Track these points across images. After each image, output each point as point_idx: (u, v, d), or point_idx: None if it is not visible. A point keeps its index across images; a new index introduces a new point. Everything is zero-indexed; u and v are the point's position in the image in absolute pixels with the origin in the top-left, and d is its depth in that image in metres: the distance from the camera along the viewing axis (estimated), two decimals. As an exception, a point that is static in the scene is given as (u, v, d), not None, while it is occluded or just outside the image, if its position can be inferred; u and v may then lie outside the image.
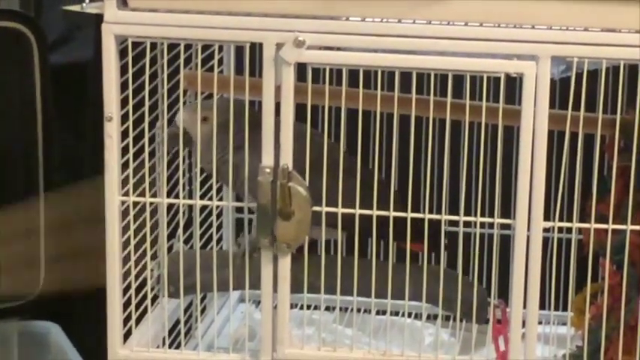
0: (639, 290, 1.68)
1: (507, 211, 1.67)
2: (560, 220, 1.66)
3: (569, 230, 1.74)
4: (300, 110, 1.65)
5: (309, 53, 1.61)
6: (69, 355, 2.40)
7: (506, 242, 1.67)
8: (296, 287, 1.72)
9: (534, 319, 1.67)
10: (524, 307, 1.66)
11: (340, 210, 1.68)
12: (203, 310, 2.02)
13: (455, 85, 1.63)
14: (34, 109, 2.32)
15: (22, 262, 2.37)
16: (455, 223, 1.69)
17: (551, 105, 1.62)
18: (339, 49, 1.63)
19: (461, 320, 1.89)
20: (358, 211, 1.68)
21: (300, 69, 1.63)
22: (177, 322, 1.83)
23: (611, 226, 1.65)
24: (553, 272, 1.68)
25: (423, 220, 1.69)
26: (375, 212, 1.68)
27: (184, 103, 1.84)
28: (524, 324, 1.68)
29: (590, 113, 1.67)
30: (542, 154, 1.61)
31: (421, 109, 1.63)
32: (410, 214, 1.68)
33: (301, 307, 2.03)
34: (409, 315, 2.05)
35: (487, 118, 1.66)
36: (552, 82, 1.64)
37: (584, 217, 1.68)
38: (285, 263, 1.69)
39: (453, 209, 1.68)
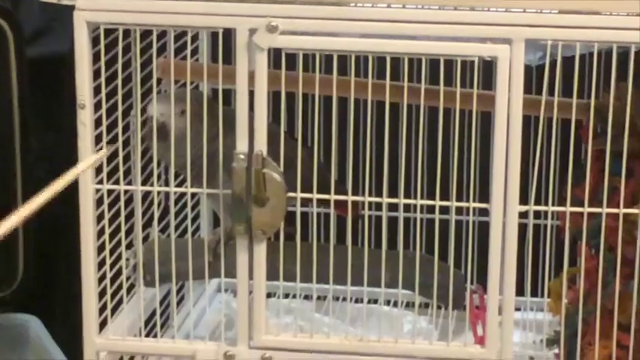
0: (616, 274, 1.67)
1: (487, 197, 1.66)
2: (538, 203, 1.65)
3: (547, 216, 1.73)
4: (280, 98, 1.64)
5: (283, 39, 1.60)
6: (48, 347, 2.39)
7: (486, 228, 1.67)
8: (272, 275, 1.71)
9: (511, 304, 1.66)
10: (501, 293, 1.66)
11: (315, 196, 1.67)
12: (181, 300, 2.01)
13: (445, 72, 1.62)
14: (11, 102, 2.31)
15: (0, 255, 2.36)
16: (432, 209, 1.68)
17: (529, 91, 1.62)
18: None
19: (439, 307, 1.88)
20: (333, 197, 1.68)
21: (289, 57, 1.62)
22: (155, 311, 1.82)
23: (586, 210, 1.65)
24: (529, 258, 1.68)
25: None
26: (351, 197, 1.67)
27: (159, 91, 1.82)
28: (502, 310, 1.67)
29: (565, 98, 1.67)
30: (517, 138, 1.60)
31: (396, 95, 1.63)
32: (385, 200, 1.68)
33: (279, 296, 2.03)
34: (388, 303, 2.05)
35: (463, 103, 1.64)
36: (529, 68, 1.64)
37: (562, 203, 1.68)
38: (261, 250, 1.68)
39: (430, 195, 1.68)
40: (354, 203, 1.69)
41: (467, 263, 1.70)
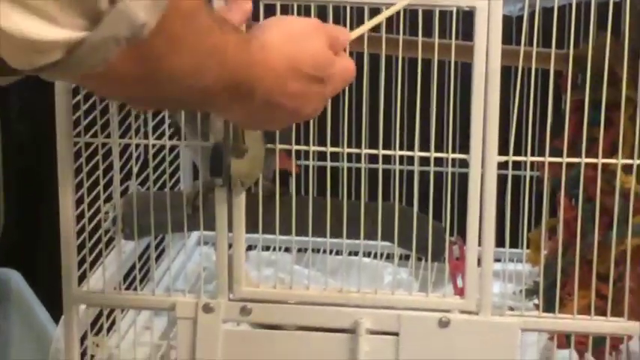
0: (595, 224, 1.67)
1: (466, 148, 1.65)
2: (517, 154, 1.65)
3: (526, 167, 1.72)
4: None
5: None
6: (29, 301, 2.40)
7: (465, 180, 1.66)
8: (252, 228, 1.71)
9: (490, 256, 1.66)
10: (480, 244, 1.66)
11: (294, 147, 1.66)
12: (161, 253, 2.01)
13: (424, 23, 1.61)
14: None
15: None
16: (411, 161, 1.68)
17: (509, 42, 1.61)
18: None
19: (418, 259, 1.87)
20: (312, 148, 1.67)
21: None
22: (134, 265, 1.82)
23: (565, 160, 1.64)
24: (509, 209, 1.68)
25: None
26: (330, 149, 1.67)
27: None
28: (481, 261, 1.67)
29: (544, 49, 1.66)
30: (495, 89, 1.60)
31: (375, 46, 1.62)
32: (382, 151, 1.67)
33: (259, 249, 2.03)
34: (368, 254, 2.05)
35: (442, 54, 1.63)
36: (509, 19, 1.63)
37: (541, 153, 1.67)
38: (240, 201, 1.67)
39: (410, 146, 1.67)
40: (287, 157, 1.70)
41: (446, 215, 1.70)
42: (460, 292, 1.74)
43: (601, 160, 1.65)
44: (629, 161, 1.66)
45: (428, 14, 1.59)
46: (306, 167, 1.76)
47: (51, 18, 0.93)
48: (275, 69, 1.23)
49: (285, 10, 1.61)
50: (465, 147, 1.64)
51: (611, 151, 1.66)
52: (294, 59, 1.26)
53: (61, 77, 1.04)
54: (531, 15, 1.59)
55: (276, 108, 1.27)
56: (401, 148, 1.67)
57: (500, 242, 1.71)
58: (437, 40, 1.62)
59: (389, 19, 1.57)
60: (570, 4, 1.62)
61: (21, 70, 0.98)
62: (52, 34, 0.94)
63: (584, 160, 1.64)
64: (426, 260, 1.86)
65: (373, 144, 1.67)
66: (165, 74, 1.06)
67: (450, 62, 1.66)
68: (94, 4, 0.95)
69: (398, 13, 1.58)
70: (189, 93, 1.12)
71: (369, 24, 1.46)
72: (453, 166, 1.65)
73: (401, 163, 1.68)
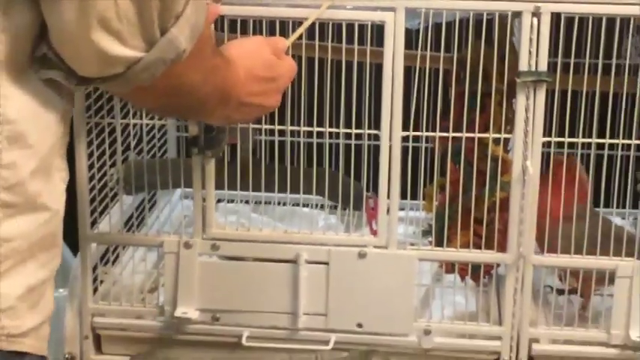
0: (473, 182, 1.66)
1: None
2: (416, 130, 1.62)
3: (426, 140, 1.70)
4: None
5: (224, 8, 1.54)
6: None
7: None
8: (220, 185, 1.67)
9: (396, 206, 1.64)
10: (389, 197, 1.63)
11: (251, 126, 1.63)
12: (153, 205, 1.96)
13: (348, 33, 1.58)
14: None
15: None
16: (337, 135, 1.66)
17: (411, 48, 1.59)
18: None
19: (343, 208, 1.85)
20: (264, 126, 1.64)
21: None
22: (132, 214, 1.78)
23: (451, 135, 1.63)
24: (409, 171, 1.66)
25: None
26: (277, 127, 1.64)
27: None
28: (389, 210, 1.65)
29: (436, 53, 1.64)
30: (399, 82, 1.57)
31: (312, 51, 1.58)
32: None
33: (225, 201, 2.01)
34: (305, 205, 2.03)
35: (361, 57, 1.60)
36: (411, 31, 1.61)
37: (434, 130, 1.65)
38: (210, 167, 1.64)
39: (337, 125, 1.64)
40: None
41: (364, 176, 1.67)
42: (374, 232, 1.71)
43: (477, 135, 1.63)
44: (498, 135, 1.64)
45: (350, 26, 1.56)
46: (262, 141, 1.72)
47: (123, 40, 0.94)
48: (240, 77, 1.25)
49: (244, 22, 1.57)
50: (378, 125, 1.61)
51: (484, 129, 1.64)
52: (250, 67, 1.28)
53: (117, 87, 1.03)
54: (426, 28, 1.56)
55: (246, 106, 1.29)
56: (330, 126, 1.64)
57: (403, 195, 1.69)
58: (356, 47, 1.58)
59: (320, 31, 1.54)
60: (454, 20, 1.59)
61: (88, 79, 0.97)
62: (121, 52, 0.94)
63: (465, 134, 1.62)
64: (349, 209, 1.85)
65: (310, 124, 1.64)
66: (184, 87, 1.08)
67: (366, 63, 1.62)
68: (152, 33, 0.95)
69: (326, 25, 1.55)
70: (197, 101, 1.15)
71: (297, 32, 1.47)
72: (369, 139, 1.62)
73: (330, 137, 1.66)
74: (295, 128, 1.64)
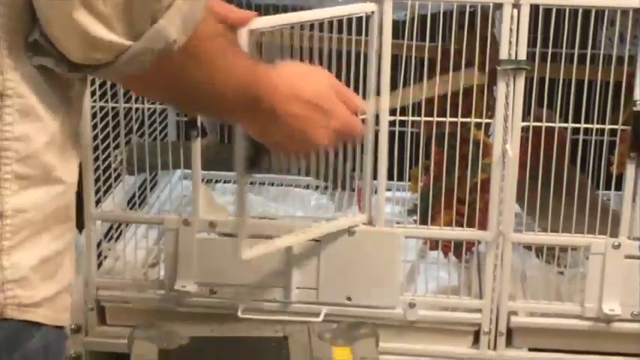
0: (456, 164, 1.71)
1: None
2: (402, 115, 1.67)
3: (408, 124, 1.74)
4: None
5: None
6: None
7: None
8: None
9: (383, 186, 1.69)
10: (376, 178, 1.68)
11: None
12: (154, 185, 2.01)
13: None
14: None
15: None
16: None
17: (397, 38, 1.63)
18: None
19: (334, 189, 1.90)
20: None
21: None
22: (135, 193, 1.83)
23: (435, 119, 1.68)
24: (396, 153, 1.71)
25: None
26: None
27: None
28: (377, 190, 1.70)
29: (421, 42, 1.68)
30: (387, 71, 1.62)
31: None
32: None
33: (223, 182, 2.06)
34: (299, 186, 2.07)
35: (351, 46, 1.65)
36: (397, 22, 1.64)
37: (420, 115, 1.69)
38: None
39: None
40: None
41: (354, 159, 1.71)
42: (363, 211, 1.76)
43: (460, 120, 1.68)
44: (480, 120, 1.69)
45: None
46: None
47: (111, 26, 0.92)
48: (278, 88, 1.14)
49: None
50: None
51: (467, 113, 1.69)
52: (296, 86, 1.16)
53: (110, 76, 1.02)
54: (412, 19, 1.61)
55: (283, 123, 1.15)
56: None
57: (390, 177, 1.73)
58: (352, 37, 1.63)
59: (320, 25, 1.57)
60: (439, 12, 1.64)
61: (79, 66, 0.95)
62: (106, 35, 0.92)
63: (449, 119, 1.67)
64: (339, 189, 1.89)
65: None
66: (185, 82, 1.02)
67: (357, 52, 1.67)
68: (141, 22, 0.93)
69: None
70: (207, 99, 1.07)
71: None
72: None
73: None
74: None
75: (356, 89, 1.62)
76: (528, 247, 1.86)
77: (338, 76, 1.63)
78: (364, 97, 1.64)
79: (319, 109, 1.17)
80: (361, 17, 1.60)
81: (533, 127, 1.67)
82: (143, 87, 1.05)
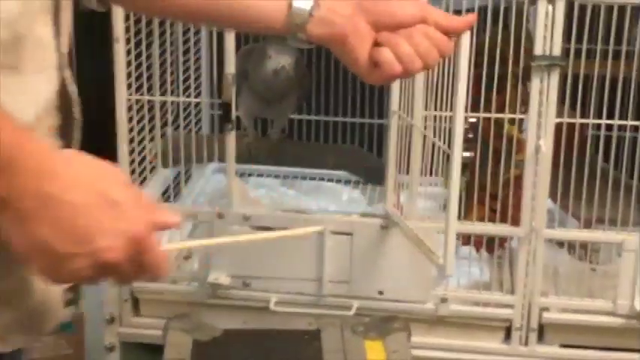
0: (489, 159, 1.69)
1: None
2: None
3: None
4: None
5: None
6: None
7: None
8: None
9: (417, 182, 1.66)
10: (408, 173, 1.66)
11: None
12: (189, 178, 2.01)
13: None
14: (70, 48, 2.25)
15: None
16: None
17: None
18: None
19: (365, 183, 1.89)
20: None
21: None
22: (169, 186, 1.83)
23: (469, 115, 1.65)
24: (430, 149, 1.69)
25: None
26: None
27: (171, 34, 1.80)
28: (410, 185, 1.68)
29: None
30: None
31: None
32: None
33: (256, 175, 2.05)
34: (330, 180, 2.06)
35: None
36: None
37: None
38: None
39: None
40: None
41: (388, 155, 1.70)
42: (397, 206, 1.75)
43: (493, 115, 1.67)
44: (513, 116, 1.68)
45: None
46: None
47: None
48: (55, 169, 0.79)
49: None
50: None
51: (501, 109, 1.67)
52: (82, 174, 0.80)
53: None
54: (447, 14, 1.59)
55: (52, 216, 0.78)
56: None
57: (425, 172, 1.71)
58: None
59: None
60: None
61: None
62: None
63: (482, 115, 1.66)
64: (372, 184, 1.88)
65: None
66: None
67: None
68: None
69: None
70: None
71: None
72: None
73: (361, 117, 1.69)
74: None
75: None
76: (560, 244, 1.83)
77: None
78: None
79: (112, 204, 0.80)
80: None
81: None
82: None
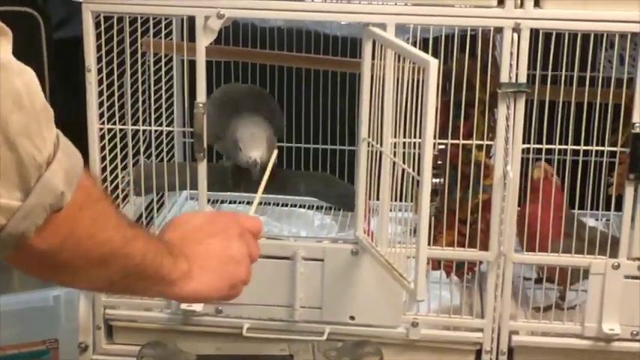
0: (457, 185, 1.66)
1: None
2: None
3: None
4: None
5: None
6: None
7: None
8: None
9: (386, 207, 1.62)
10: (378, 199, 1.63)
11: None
12: (161, 206, 1.97)
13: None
14: (43, 77, 2.23)
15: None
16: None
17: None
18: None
19: (337, 209, 1.86)
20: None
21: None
22: (142, 214, 1.79)
23: (437, 141, 1.62)
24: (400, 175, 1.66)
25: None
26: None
27: (143, 62, 1.76)
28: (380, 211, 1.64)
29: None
30: (389, 93, 1.57)
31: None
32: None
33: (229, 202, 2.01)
34: (302, 206, 2.03)
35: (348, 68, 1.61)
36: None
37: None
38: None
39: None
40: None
41: (358, 181, 1.67)
42: (367, 232, 1.72)
43: (461, 142, 1.64)
44: (481, 142, 1.65)
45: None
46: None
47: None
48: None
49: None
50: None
51: (468, 136, 1.65)
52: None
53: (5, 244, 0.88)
54: (414, 43, 1.57)
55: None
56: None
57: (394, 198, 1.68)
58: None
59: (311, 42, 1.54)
60: (441, 35, 1.60)
61: None
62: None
63: (450, 141, 1.63)
64: (343, 210, 1.85)
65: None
66: (75, 241, 0.93)
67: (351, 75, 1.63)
68: (27, 182, 0.86)
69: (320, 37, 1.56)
70: (124, 268, 1.01)
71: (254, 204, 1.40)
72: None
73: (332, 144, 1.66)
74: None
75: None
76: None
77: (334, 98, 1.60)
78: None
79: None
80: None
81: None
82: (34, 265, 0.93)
